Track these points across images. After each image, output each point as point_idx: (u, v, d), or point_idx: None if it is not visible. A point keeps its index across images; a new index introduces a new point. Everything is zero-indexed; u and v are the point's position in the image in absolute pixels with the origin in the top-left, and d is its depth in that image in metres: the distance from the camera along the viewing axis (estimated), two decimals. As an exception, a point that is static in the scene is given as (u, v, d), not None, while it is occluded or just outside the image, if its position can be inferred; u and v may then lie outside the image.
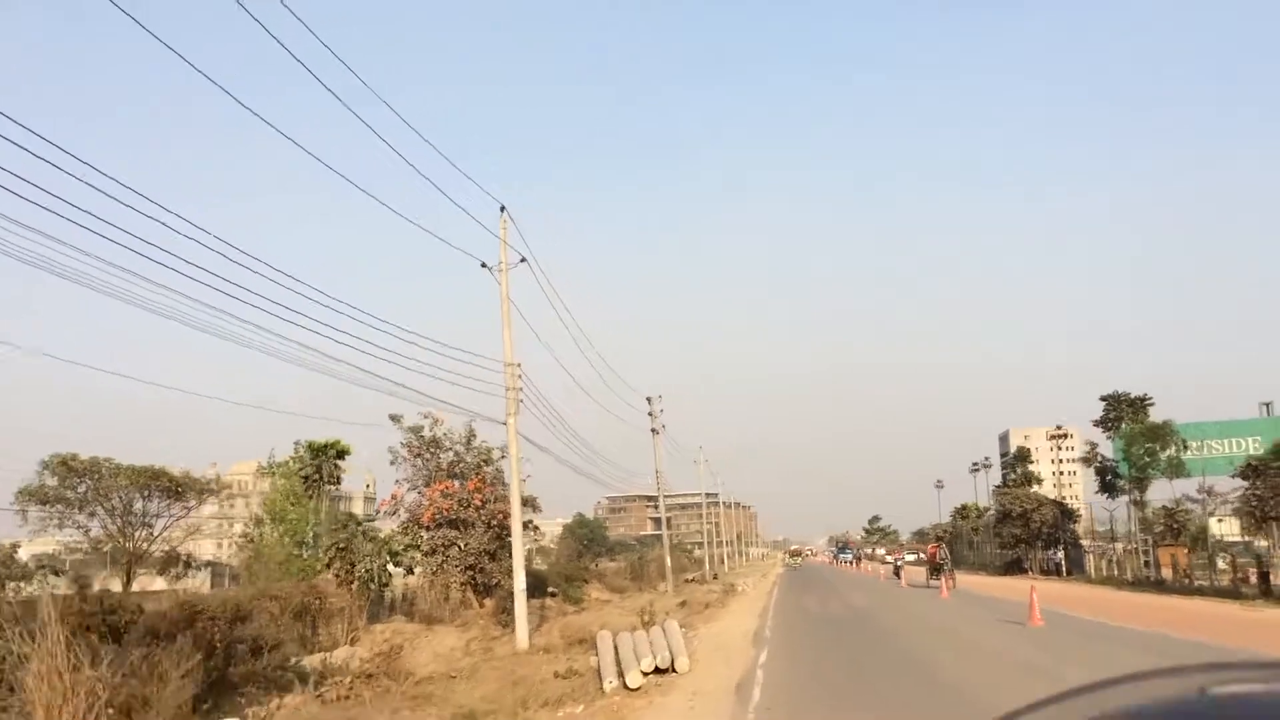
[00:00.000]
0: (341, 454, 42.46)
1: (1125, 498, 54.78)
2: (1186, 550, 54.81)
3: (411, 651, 26.51)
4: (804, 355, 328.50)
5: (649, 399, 58.28)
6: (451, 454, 35.86)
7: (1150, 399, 54.34)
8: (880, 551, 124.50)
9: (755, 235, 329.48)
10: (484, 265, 28.16)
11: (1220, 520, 55.44)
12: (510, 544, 39.67)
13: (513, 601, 41.54)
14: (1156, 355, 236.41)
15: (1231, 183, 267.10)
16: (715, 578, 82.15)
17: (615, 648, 21.16)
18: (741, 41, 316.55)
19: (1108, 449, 55.86)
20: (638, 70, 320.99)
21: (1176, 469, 51.56)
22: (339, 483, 43.08)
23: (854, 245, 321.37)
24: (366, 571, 31.01)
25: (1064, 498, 74.10)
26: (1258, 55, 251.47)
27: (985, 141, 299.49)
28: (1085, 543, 73.71)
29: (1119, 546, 70.22)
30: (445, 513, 33.87)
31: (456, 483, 34.22)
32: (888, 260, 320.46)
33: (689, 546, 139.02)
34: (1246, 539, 53.72)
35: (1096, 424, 55.66)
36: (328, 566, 31.57)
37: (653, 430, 57.75)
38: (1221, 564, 48.50)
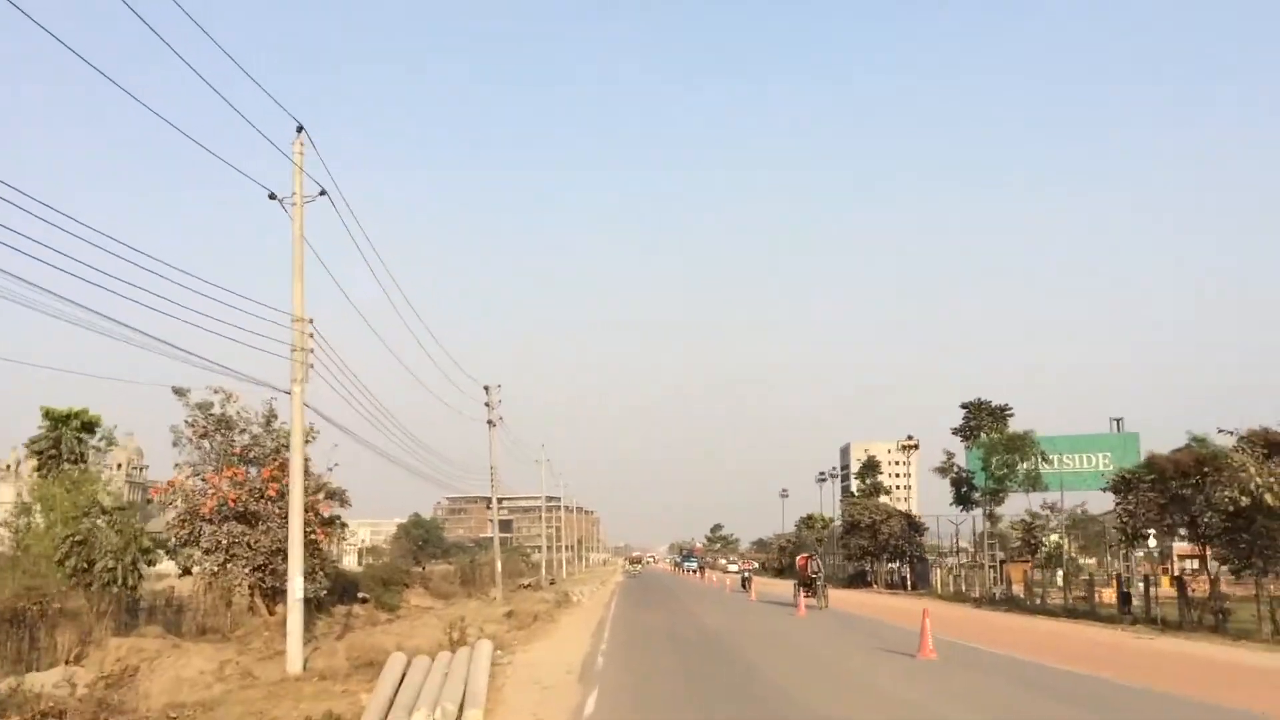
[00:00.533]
0: (88, 426, 35.20)
1: (979, 510, 52.29)
2: (1033, 566, 52.71)
3: (150, 675, 20.61)
4: (650, 362, 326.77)
5: (486, 388, 52.80)
6: (247, 436, 30.13)
7: (1010, 409, 51.93)
8: (724, 561, 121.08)
9: (603, 234, 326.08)
10: (272, 196, 22.36)
11: (1061, 538, 53.70)
12: (311, 543, 33.95)
13: (310, 608, 35.37)
14: (1004, 369, 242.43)
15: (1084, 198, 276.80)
16: (552, 583, 77.23)
17: (402, 680, 16.11)
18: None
19: (971, 462, 53.08)
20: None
21: (1034, 482, 49.06)
22: (82, 460, 35.78)
23: (696, 252, 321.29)
24: (108, 570, 24.86)
25: (908, 510, 71.73)
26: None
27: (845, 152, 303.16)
28: (931, 556, 71.68)
29: (955, 561, 68.33)
30: (233, 504, 27.89)
31: (251, 470, 28.95)
32: (733, 271, 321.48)
33: (528, 550, 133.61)
34: (1076, 557, 52.03)
35: (956, 432, 52.92)
36: (60, 563, 25.28)
37: (489, 422, 52.19)
38: (1071, 586, 46.31)
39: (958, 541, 65.85)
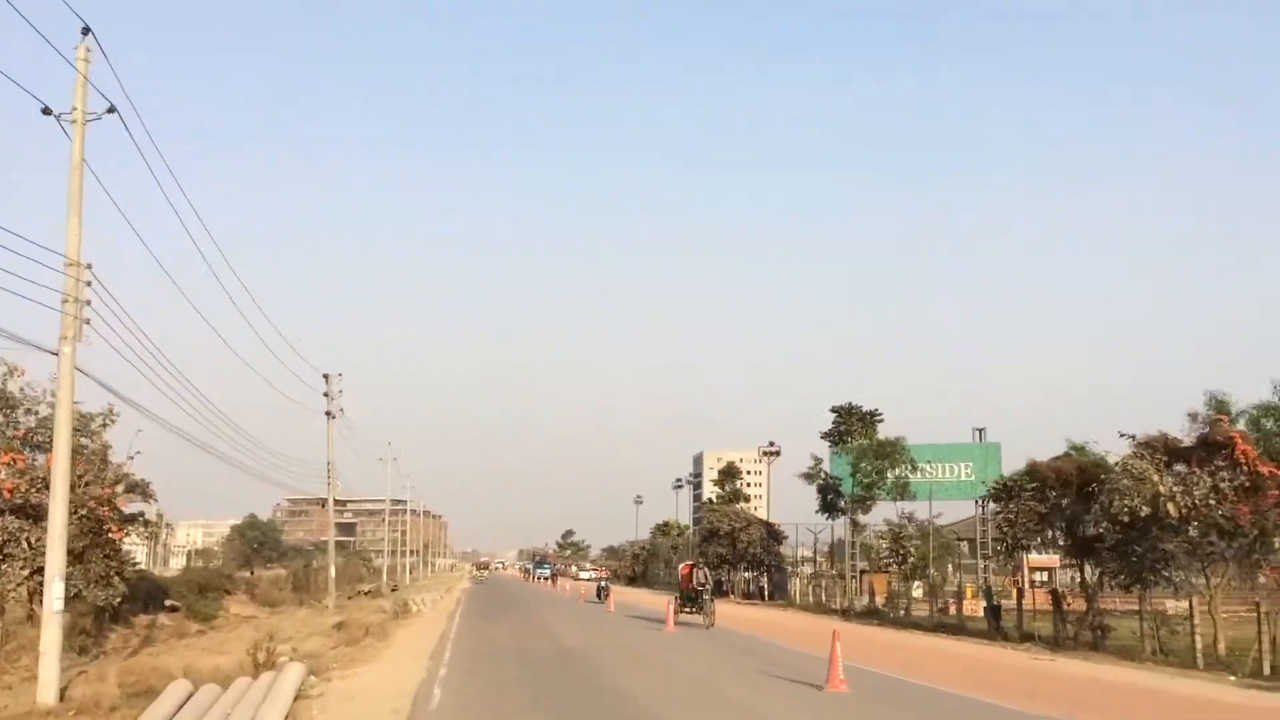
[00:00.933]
0: None
1: (844, 518, 50.26)
2: (902, 578, 51.03)
3: None
4: (500, 366, 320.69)
5: (326, 376, 47.97)
6: (33, 418, 25.78)
7: (880, 414, 49.97)
8: (576, 568, 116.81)
9: (448, 230, 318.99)
10: (47, 111, 17.89)
11: (925, 548, 52.35)
12: (108, 543, 29.52)
13: (102, 617, 30.75)
14: (870, 378, 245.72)
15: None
16: (394, 590, 72.44)
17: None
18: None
19: (838, 468, 50.93)
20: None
21: (902, 490, 47.22)
22: None
23: (547, 254, 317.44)
24: None
25: (766, 518, 69.40)
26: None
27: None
28: (790, 566, 69.78)
29: (810, 570, 66.75)
30: (10, 495, 24.05)
31: (39, 456, 25.66)
32: (589, 275, 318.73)
33: (370, 555, 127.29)
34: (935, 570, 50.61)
35: (825, 436, 50.66)
36: None
37: (327, 413, 47.39)
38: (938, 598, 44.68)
39: (817, 551, 64.13)
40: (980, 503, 55.67)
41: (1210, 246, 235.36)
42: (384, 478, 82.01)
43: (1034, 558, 71.10)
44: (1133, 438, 27.18)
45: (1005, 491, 34.05)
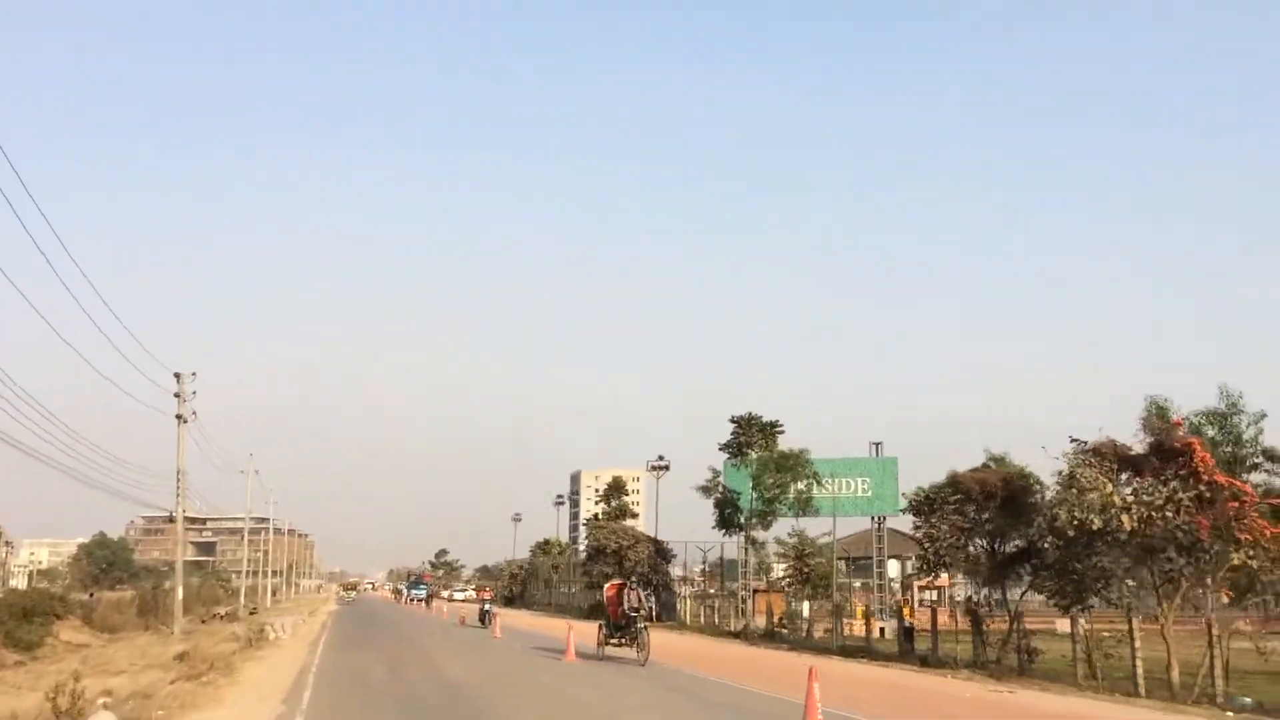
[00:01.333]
0: None
1: (740, 535, 47.40)
2: (797, 598, 48.57)
3: None
4: (369, 381, 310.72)
5: (177, 375, 42.91)
6: None
7: (781, 425, 47.25)
8: (449, 591, 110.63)
9: (323, 240, 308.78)
10: None
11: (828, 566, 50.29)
12: None
13: None
14: (765, 392, 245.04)
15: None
16: (253, 613, 66.71)
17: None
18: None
19: (733, 480, 48.02)
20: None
21: (805, 505, 44.62)
22: None
23: (417, 263, 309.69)
24: None
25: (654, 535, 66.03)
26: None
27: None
28: (679, 586, 66.75)
29: (694, 590, 64.11)
30: None
31: None
32: (461, 290, 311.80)
33: (229, 576, 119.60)
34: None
35: (724, 448, 47.71)
36: None
37: (178, 416, 42.32)
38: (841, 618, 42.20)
39: (707, 570, 61.31)
40: (877, 519, 53.93)
41: (1108, 263, 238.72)
42: (245, 492, 76.14)
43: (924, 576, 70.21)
44: (1084, 443, 24.68)
45: (927, 504, 31.55)
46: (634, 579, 29.55)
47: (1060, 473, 26.56)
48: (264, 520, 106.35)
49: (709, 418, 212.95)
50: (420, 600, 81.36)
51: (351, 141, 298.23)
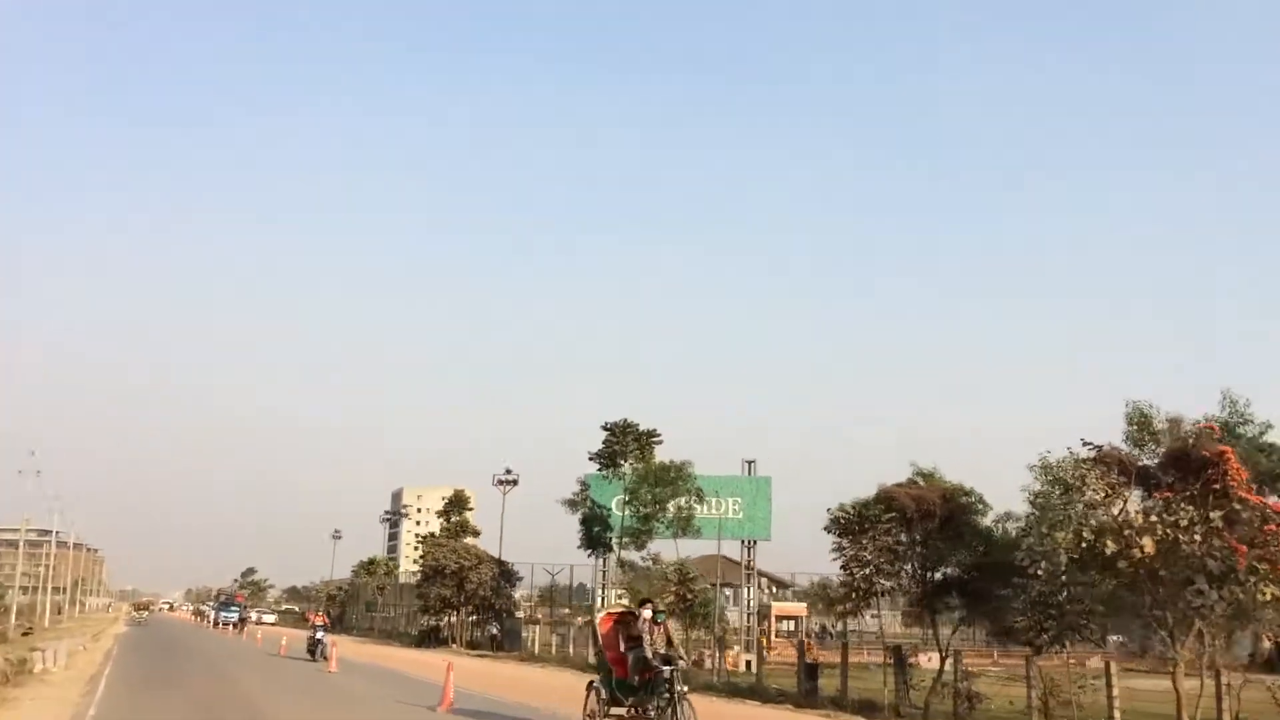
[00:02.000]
0: None
1: (614, 554, 41.99)
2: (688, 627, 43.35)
3: None
4: (168, 395, 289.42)
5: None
6: None
7: (659, 434, 42.09)
8: (257, 613, 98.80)
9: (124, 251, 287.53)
10: None
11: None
12: None
13: None
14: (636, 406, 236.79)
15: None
16: (27, 634, 56.80)
17: None
18: None
19: (601, 494, 42.51)
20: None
21: (685, 524, 39.55)
22: None
23: (249, 282, 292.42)
24: None
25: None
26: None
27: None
28: (523, 612, 60.66)
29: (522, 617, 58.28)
30: None
31: None
32: (283, 299, 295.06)
33: (2, 591, 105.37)
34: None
35: (594, 457, 42.18)
36: None
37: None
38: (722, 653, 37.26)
39: (554, 594, 55.54)
40: (747, 543, 49.46)
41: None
42: (24, 496, 65.47)
43: (787, 606, 66.24)
44: (1097, 448, 20.18)
45: (857, 523, 26.82)
46: (660, 608, 14.62)
47: (1032, 493, 22.33)
48: (46, 533, 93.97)
49: (564, 431, 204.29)
50: (231, 624, 70.72)
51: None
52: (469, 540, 59.06)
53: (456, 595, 54.74)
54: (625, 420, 41.42)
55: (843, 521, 26.89)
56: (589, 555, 42.87)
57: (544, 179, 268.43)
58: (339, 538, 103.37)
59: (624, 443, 40.92)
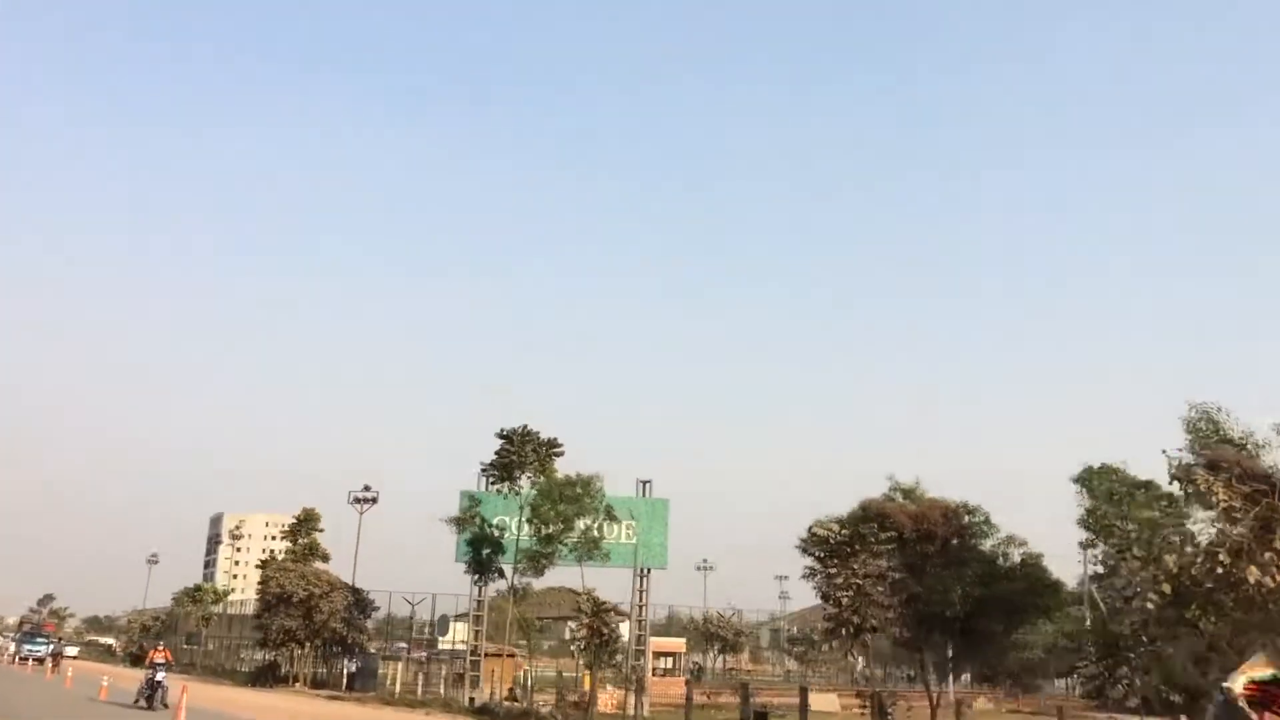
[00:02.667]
0: None
1: (507, 580, 36.22)
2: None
3: None
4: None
5: None
6: None
7: (560, 445, 36.64)
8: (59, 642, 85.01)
9: None
10: None
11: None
12: None
13: None
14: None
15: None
16: None
17: None
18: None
19: (491, 510, 36.69)
20: None
21: (592, 547, 34.21)
22: None
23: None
24: None
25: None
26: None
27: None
28: (379, 647, 53.69)
29: (419, 655, 51.77)
30: None
31: None
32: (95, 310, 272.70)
33: None
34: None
35: (488, 469, 36.41)
36: None
37: None
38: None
39: (434, 626, 48.99)
40: (641, 572, 44.53)
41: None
42: None
43: (660, 640, 61.24)
44: (1204, 453, 16.12)
45: (846, 544, 22.31)
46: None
47: (1088, 509, 18.33)
48: None
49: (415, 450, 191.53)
50: (38, 658, 58.87)
51: None
52: (319, 565, 51.75)
53: (303, 627, 47.54)
54: (525, 428, 35.82)
55: (830, 542, 22.32)
56: (475, 581, 36.84)
57: (370, 167, 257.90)
58: (155, 562, 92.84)
59: (522, 453, 35.33)
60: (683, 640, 58.53)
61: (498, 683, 42.25)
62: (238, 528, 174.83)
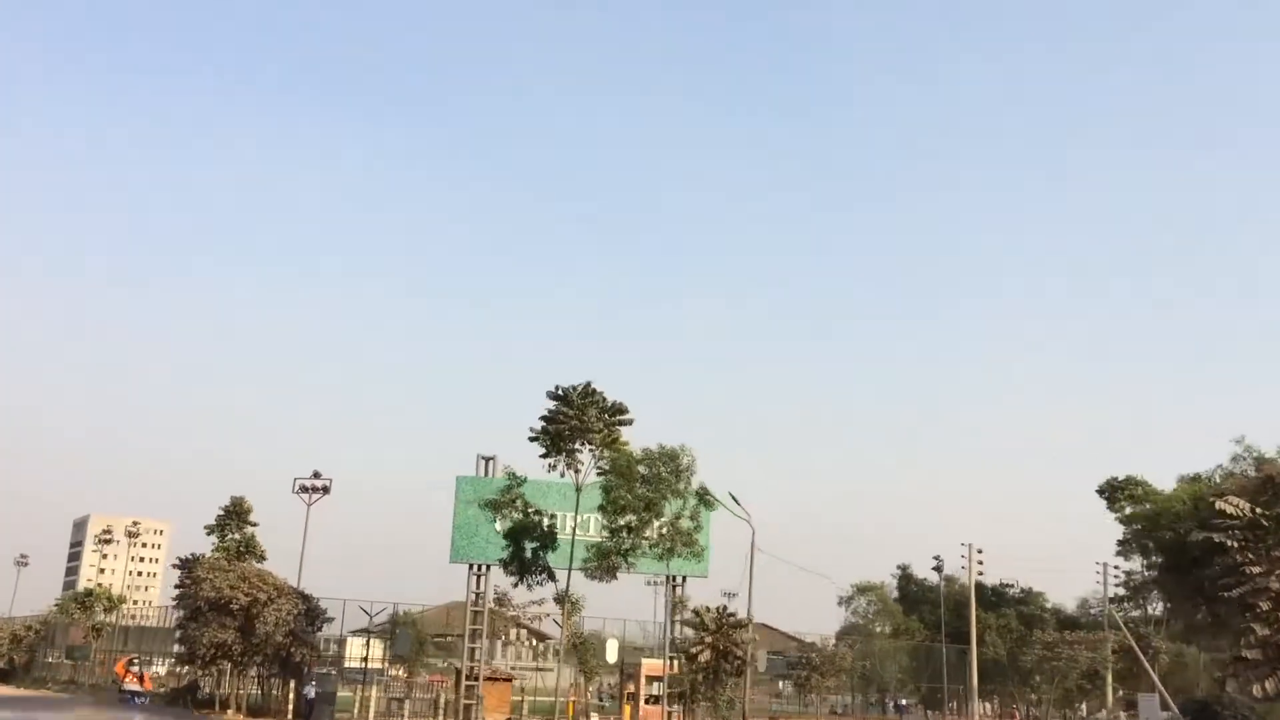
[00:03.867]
0: None
1: (555, 584, 27.58)
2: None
3: None
4: None
5: None
6: None
7: (628, 411, 28.15)
8: None
9: None
10: None
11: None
12: None
13: None
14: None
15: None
16: None
17: None
18: None
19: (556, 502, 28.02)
20: None
21: (683, 542, 25.92)
22: None
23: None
24: None
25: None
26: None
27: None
28: (331, 666, 43.83)
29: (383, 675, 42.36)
30: None
31: None
32: None
33: None
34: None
35: (537, 437, 27.71)
36: None
37: None
38: None
39: (390, 647, 39.31)
40: (674, 581, 36.10)
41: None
42: None
43: (653, 663, 52.76)
44: None
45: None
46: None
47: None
48: None
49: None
50: None
51: None
52: (257, 565, 41.80)
53: (241, 641, 37.71)
54: (588, 385, 27.18)
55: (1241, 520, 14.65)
56: (517, 585, 27.99)
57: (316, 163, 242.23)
58: (25, 563, 79.66)
59: (584, 417, 26.73)
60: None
61: (497, 712, 33.67)
62: (106, 531, 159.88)
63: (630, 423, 27.44)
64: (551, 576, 27.45)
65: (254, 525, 44.92)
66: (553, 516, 27.35)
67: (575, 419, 26.59)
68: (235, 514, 44.71)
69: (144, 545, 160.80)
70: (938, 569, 51.87)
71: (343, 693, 39.43)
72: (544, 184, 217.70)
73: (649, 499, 24.99)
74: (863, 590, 55.23)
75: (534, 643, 57.04)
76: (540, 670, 48.41)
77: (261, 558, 44.20)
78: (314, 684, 36.69)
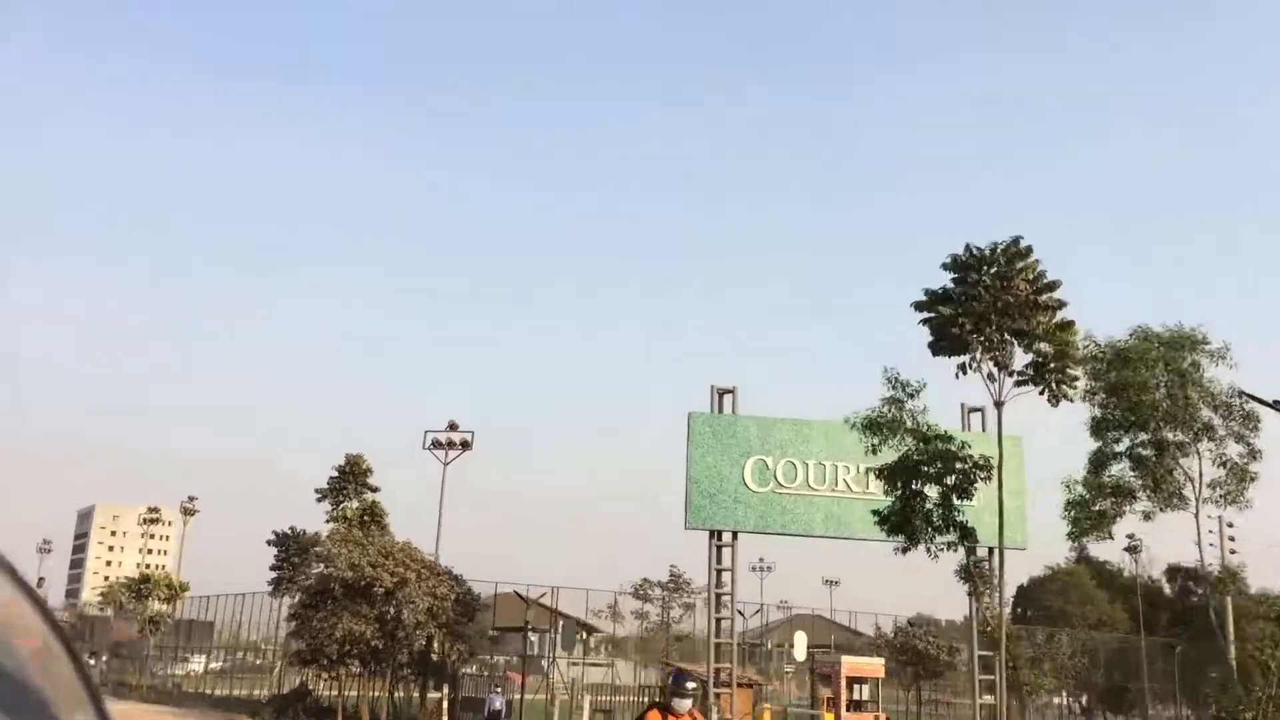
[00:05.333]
0: None
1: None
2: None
3: None
4: None
5: None
6: None
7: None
8: None
9: None
10: None
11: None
12: None
13: None
14: None
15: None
16: None
17: None
18: None
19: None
20: None
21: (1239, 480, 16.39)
22: None
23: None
24: None
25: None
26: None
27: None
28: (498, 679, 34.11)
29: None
30: None
31: None
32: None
33: None
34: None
35: (929, 317, 17.83)
36: None
37: None
38: None
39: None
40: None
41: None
42: None
43: (855, 661, 43.04)
44: None
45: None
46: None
47: None
48: None
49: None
50: None
51: None
52: (394, 539, 31.85)
53: (382, 636, 28.00)
54: (1016, 240, 17.40)
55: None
56: (906, 550, 18.18)
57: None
58: (49, 550, 69.92)
59: (1011, 287, 16.97)
60: (881, 661, 40.44)
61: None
62: (104, 527, 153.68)
63: (1064, 305, 17.80)
64: (965, 539, 17.62)
65: (375, 490, 35.01)
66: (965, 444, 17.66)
67: (998, 289, 16.84)
68: (352, 475, 34.72)
69: (153, 537, 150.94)
70: None
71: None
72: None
73: (1168, 410, 15.41)
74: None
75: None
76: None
77: (382, 527, 34.34)
78: (498, 691, 27.12)
